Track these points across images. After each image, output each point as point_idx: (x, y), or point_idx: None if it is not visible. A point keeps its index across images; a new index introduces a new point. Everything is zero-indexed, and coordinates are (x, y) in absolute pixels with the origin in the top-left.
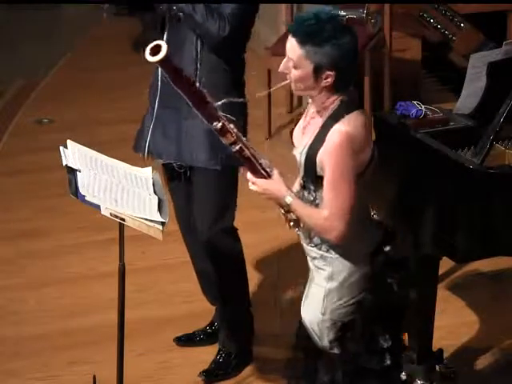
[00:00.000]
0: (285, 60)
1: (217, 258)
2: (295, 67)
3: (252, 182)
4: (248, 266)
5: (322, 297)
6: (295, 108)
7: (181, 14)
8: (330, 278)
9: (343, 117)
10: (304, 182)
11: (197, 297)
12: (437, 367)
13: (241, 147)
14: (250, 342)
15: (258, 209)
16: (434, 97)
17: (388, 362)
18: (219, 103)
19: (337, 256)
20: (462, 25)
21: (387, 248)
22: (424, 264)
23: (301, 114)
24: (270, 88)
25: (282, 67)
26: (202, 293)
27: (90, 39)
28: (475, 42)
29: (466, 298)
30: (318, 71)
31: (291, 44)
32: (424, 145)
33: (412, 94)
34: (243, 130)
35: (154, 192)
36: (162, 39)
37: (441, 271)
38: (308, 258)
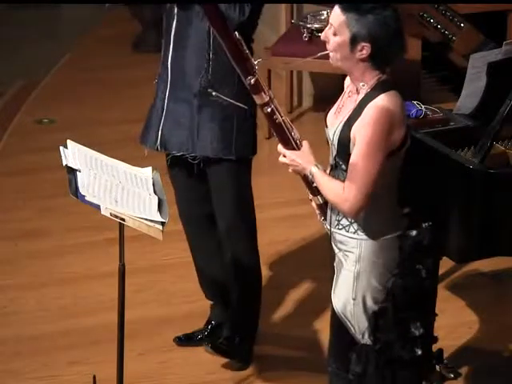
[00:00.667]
0: (327, 28)
1: (237, 247)
2: (334, 34)
3: (282, 154)
4: None
5: (351, 281)
6: (295, 108)
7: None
8: (358, 260)
9: (381, 94)
10: (336, 162)
11: (197, 297)
12: (437, 367)
13: (272, 109)
14: (251, 343)
15: (257, 209)
16: (434, 97)
17: (419, 351)
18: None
19: (365, 238)
20: (462, 25)
21: (414, 232)
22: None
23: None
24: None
25: (323, 35)
26: (202, 293)
27: (90, 39)
28: (475, 42)
29: (466, 298)
30: (354, 41)
31: (335, 10)
32: (424, 145)
33: (412, 94)
34: (253, 114)
35: (154, 192)
36: (169, 37)
37: (441, 271)
38: (334, 247)
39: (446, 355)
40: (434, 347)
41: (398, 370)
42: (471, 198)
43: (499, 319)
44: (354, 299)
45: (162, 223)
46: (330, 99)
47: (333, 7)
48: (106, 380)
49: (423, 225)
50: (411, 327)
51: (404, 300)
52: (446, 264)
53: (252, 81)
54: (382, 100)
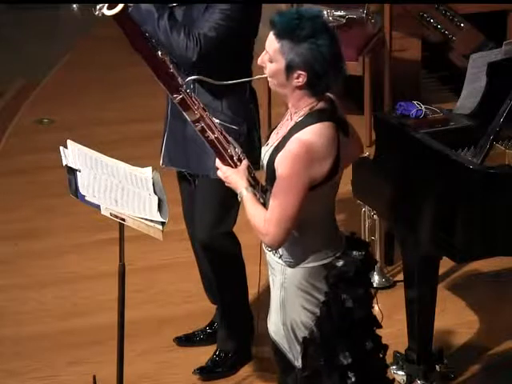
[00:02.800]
0: (263, 53)
1: (214, 260)
2: (270, 61)
3: (217, 167)
4: (248, 266)
5: (278, 306)
6: None
7: (146, 34)
8: (282, 285)
9: (310, 125)
10: (266, 184)
11: (197, 297)
12: (437, 367)
13: (203, 127)
14: (248, 342)
15: None
16: (434, 97)
17: (350, 380)
18: (191, 78)
19: (290, 264)
20: (462, 25)
21: (340, 263)
22: (424, 264)
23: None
24: (269, 88)
25: (259, 60)
26: (202, 293)
27: (91, 39)
28: (475, 42)
29: (466, 298)
30: (289, 68)
31: (270, 37)
32: (424, 145)
33: (412, 94)
34: (248, 137)
35: (154, 192)
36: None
37: (441, 271)
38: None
39: (445, 355)
40: (434, 347)
41: None
42: (471, 198)
43: (499, 319)
44: (283, 325)
45: (162, 223)
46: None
47: (333, 7)
48: (106, 380)
49: (354, 254)
50: (339, 356)
51: (330, 328)
52: (446, 264)
53: (178, 99)
54: (307, 133)
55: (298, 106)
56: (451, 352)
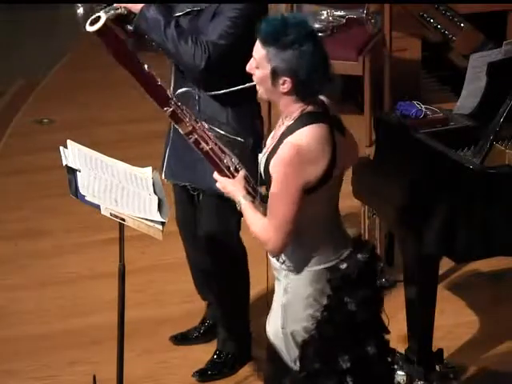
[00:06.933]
0: (251, 60)
1: (219, 260)
2: (257, 67)
3: (215, 179)
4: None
5: (280, 310)
6: None
7: (153, 43)
8: (286, 290)
9: (301, 128)
10: (266, 191)
11: (196, 297)
12: (437, 367)
13: (196, 139)
14: (248, 343)
15: None
16: (434, 97)
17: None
18: (181, 91)
19: (292, 269)
20: (462, 25)
21: (343, 265)
22: (424, 264)
23: None
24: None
25: (248, 66)
26: None
27: (91, 39)
28: (475, 42)
29: (466, 298)
30: (275, 75)
31: (256, 43)
32: (424, 145)
33: (412, 94)
34: (254, 151)
35: (154, 192)
36: (171, 67)
37: (441, 271)
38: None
39: (446, 355)
40: (434, 347)
41: None
42: (471, 198)
43: (499, 319)
44: (283, 328)
45: (162, 223)
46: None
47: (333, 7)
48: (106, 380)
49: (358, 256)
50: (339, 360)
51: (331, 331)
52: (446, 264)
53: (169, 111)
54: (299, 136)
55: (288, 111)
56: (451, 352)
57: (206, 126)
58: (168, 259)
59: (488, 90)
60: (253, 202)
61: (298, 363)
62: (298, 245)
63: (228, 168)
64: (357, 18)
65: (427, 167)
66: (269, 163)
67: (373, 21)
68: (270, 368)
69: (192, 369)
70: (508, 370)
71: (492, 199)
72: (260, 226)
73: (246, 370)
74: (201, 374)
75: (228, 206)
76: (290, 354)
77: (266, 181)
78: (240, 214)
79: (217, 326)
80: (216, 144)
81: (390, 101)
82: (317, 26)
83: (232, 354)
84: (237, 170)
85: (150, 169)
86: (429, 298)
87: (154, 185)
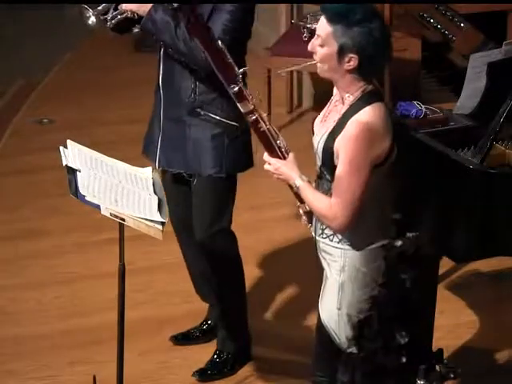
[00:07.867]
0: (314, 38)
1: (213, 259)
2: (321, 45)
3: (267, 162)
4: (246, 267)
5: (336, 290)
6: (295, 108)
7: (161, 43)
8: (343, 269)
9: (364, 107)
10: (321, 171)
11: (197, 297)
12: (437, 367)
13: (256, 118)
14: (248, 342)
15: (255, 210)
16: (434, 97)
17: (403, 359)
18: (243, 69)
19: (350, 248)
20: (462, 25)
21: (399, 243)
22: (424, 264)
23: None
24: (269, 88)
25: (310, 46)
26: None
27: (91, 39)
28: (475, 42)
29: (466, 298)
30: (342, 52)
31: (321, 21)
32: (424, 145)
33: (412, 94)
34: (247, 135)
35: (154, 192)
36: (160, 54)
37: (441, 271)
38: (320, 254)
39: (446, 355)
40: (434, 347)
41: (385, 379)
42: (471, 198)
43: (499, 319)
44: (338, 309)
45: (162, 223)
46: (330, 99)
47: None
48: (106, 380)
49: (409, 235)
50: (396, 336)
51: (389, 309)
52: (446, 264)
53: (235, 89)
54: (365, 114)
55: (350, 90)
56: (451, 352)
57: (203, 113)
58: (168, 259)
59: (488, 90)
60: (309, 181)
61: (351, 344)
62: (356, 224)
63: (280, 149)
64: None
65: (427, 167)
66: (330, 142)
67: None
68: (320, 351)
69: (192, 369)
70: (508, 370)
71: (492, 199)
72: (323, 205)
73: (245, 370)
74: (201, 373)
75: (221, 190)
76: (344, 336)
77: (325, 160)
78: (233, 201)
79: (217, 327)
80: (271, 125)
81: (390, 101)
82: (317, 25)
83: (232, 354)
84: (287, 152)
85: (149, 169)
86: (429, 298)
87: (153, 185)
